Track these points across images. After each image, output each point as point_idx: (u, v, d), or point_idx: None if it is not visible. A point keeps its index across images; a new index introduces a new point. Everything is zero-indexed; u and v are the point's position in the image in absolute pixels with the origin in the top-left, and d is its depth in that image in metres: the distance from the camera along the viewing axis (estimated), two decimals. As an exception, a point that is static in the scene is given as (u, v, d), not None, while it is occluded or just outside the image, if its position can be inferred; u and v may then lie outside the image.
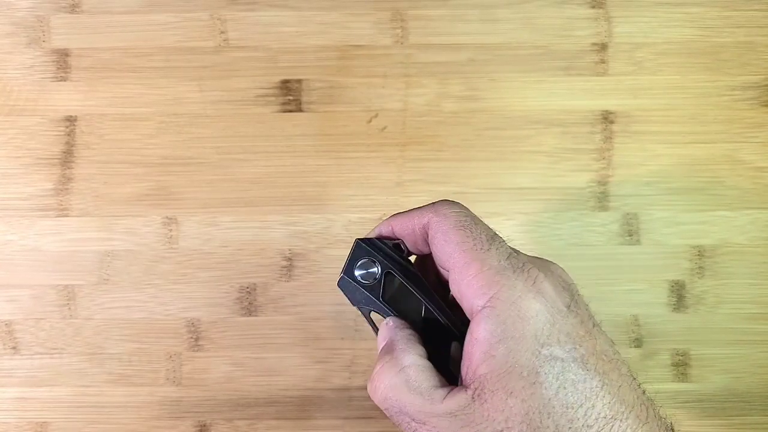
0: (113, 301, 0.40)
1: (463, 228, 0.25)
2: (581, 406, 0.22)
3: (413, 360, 0.25)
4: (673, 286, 0.41)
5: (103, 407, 0.40)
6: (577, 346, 0.23)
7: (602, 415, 0.22)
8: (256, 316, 0.40)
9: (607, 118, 0.41)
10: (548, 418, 0.22)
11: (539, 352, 0.23)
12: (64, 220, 0.41)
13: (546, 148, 0.41)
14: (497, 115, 0.41)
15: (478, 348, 0.23)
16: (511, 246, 0.26)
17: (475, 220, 0.26)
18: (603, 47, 0.41)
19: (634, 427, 0.23)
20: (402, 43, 0.41)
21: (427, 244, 0.27)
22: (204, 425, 0.40)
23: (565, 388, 0.22)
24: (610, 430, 0.22)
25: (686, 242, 0.41)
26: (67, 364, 0.40)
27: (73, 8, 0.42)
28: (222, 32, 0.41)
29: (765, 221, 0.41)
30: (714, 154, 0.41)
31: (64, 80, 0.41)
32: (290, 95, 0.41)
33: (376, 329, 0.27)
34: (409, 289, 0.27)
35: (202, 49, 0.41)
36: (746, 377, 0.40)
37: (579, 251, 0.40)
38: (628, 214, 0.41)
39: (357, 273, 0.28)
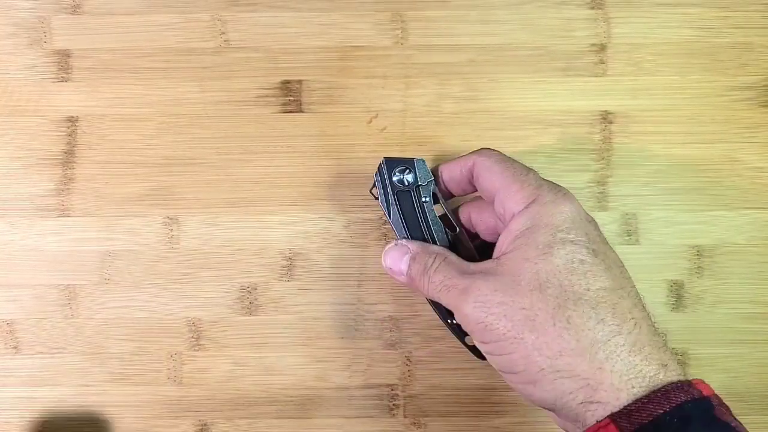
0: (114, 300, 0.40)
1: (503, 162, 0.31)
2: (584, 275, 0.27)
3: (446, 251, 0.32)
4: (671, 286, 0.41)
5: (104, 406, 0.40)
6: (592, 242, 0.28)
7: (603, 286, 0.26)
8: (256, 315, 0.41)
9: (606, 118, 0.41)
10: (554, 277, 0.27)
11: (555, 235, 0.27)
12: (66, 220, 0.41)
13: (545, 149, 0.41)
14: (497, 116, 0.41)
15: (508, 236, 0.29)
16: None
17: (513, 159, 0.32)
18: (602, 48, 0.42)
19: (633, 303, 0.27)
20: (402, 44, 0.42)
21: (470, 185, 0.33)
22: (205, 424, 0.40)
23: (572, 262, 0.27)
24: (611, 300, 0.26)
25: (685, 242, 0.41)
26: (68, 363, 0.40)
27: (75, 9, 0.42)
28: (222, 33, 0.42)
29: (764, 221, 0.41)
30: (712, 155, 0.41)
31: (66, 81, 0.41)
32: (290, 96, 0.41)
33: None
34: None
35: (203, 50, 0.41)
36: (745, 377, 0.40)
37: (578, 251, 0.41)
38: (626, 214, 0.41)
39: (395, 177, 0.34)
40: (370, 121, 0.41)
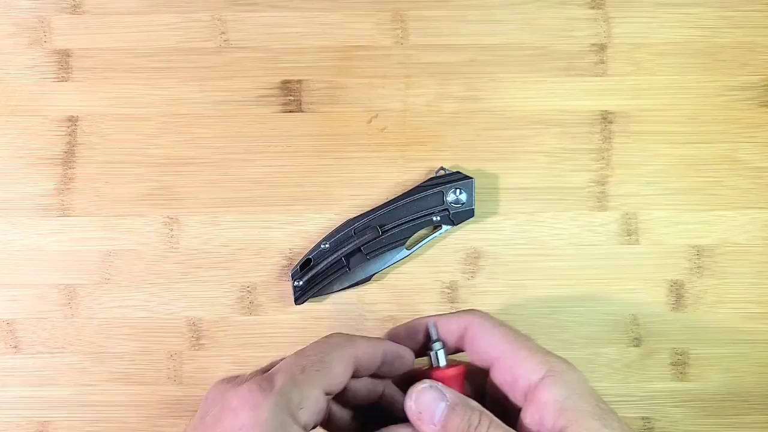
0: (115, 300, 0.40)
1: (502, 326, 0.30)
2: None
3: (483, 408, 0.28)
4: (672, 286, 0.41)
5: (105, 406, 0.40)
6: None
7: None
8: (257, 315, 0.41)
9: (606, 118, 0.41)
10: None
11: (599, 405, 0.27)
12: (66, 220, 0.41)
13: (545, 148, 0.41)
14: (497, 116, 0.41)
15: (549, 408, 0.27)
16: None
17: (506, 323, 0.30)
18: (602, 48, 0.42)
19: None
20: (402, 44, 0.42)
21: (462, 342, 0.31)
22: (205, 424, 0.40)
23: None
24: None
25: (685, 242, 0.41)
26: (68, 363, 0.40)
27: (75, 9, 0.42)
28: (223, 33, 0.42)
29: (764, 221, 0.41)
30: (713, 154, 0.41)
31: (66, 80, 0.41)
32: (291, 95, 0.41)
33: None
34: None
35: (203, 50, 0.41)
36: (745, 376, 0.40)
37: (578, 251, 0.41)
38: (627, 213, 0.41)
39: (450, 197, 0.38)
40: (370, 121, 0.41)
